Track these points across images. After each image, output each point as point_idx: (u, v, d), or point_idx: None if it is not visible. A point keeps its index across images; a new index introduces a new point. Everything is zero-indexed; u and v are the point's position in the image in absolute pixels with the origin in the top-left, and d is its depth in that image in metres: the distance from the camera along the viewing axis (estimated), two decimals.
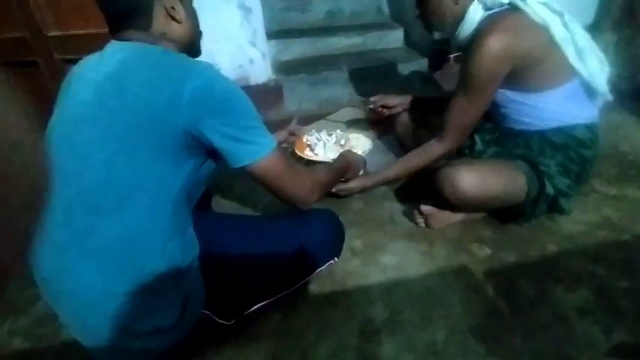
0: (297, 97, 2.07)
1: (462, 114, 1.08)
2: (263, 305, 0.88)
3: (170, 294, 0.71)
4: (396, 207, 1.28)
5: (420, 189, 1.30)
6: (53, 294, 0.73)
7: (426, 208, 1.16)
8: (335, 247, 0.98)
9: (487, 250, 1.09)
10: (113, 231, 0.67)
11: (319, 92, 2.10)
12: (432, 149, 1.16)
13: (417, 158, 1.19)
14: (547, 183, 1.06)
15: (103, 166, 0.66)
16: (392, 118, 1.51)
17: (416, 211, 1.19)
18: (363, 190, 1.22)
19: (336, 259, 0.99)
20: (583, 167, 1.11)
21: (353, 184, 1.18)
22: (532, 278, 0.99)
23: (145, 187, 0.67)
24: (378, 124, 1.70)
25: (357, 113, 1.93)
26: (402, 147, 1.51)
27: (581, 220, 1.14)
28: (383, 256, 1.10)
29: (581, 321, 0.88)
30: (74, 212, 0.67)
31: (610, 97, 1.09)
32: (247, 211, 1.30)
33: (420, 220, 1.18)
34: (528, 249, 1.08)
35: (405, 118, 1.48)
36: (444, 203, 1.14)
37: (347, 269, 1.06)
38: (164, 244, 0.70)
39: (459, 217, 1.18)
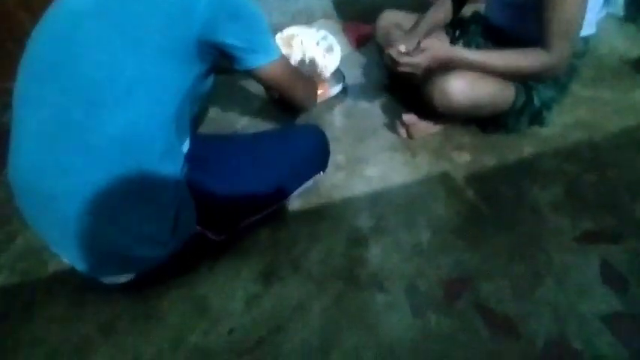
0: (267, 9, 1.85)
1: (573, 18, 0.87)
2: (253, 221, 0.87)
3: (163, 202, 0.69)
4: (378, 121, 1.23)
5: (402, 101, 1.25)
6: (39, 199, 0.67)
7: (407, 117, 1.12)
8: (321, 161, 0.95)
9: (467, 157, 1.08)
10: (115, 124, 0.63)
11: (291, 4, 1.89)
12: (540, 57, 0.90)
13: (521, 58, 0.93)
14: (534, 95, 1.02)
15: (108, 61, 0.63)
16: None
17: (398, 122, 1.15)
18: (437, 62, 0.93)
19: (322, 172, 0.96)
20: (569, 78, 1.06)
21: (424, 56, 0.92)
22: (510, 180, 1.01)
23: (151, 85, 0.65)
24: (356, 37, 1.56)
25: (333, 27, 1.76)
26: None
27: (557, 123, 1.14)
28: (367, 168, 1.08)
29: (553, 214, 0.92)
30: (69, 106, 0.63)
31: (621, 13, 0.98)
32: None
33: (402, 131, 1.15)
34: (506, 153, 1.08)
35: (384, 21, 1.32)
36: (426, 113, 1.09)
37: (332, 182, 1.04)
38: (163, 147, 0.68)
39: (439, 126, 1.15)
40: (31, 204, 0.71)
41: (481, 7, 1.18)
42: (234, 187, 0.78)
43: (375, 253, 0.88)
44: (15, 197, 0.72)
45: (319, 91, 1.18)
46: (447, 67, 0.95)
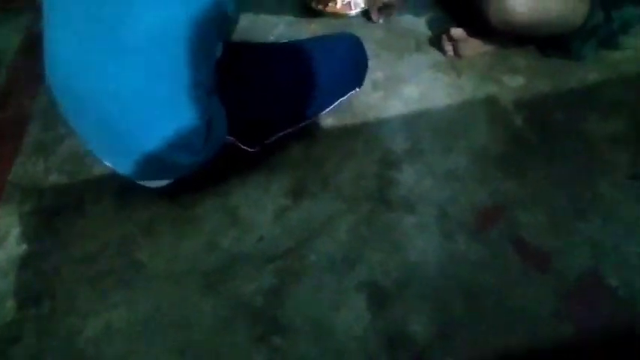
0: None
1: None
2: (285, 134, 0.82)
3: (197, 107, 0.64)
4: (423, 35, 1.08)
5: (451, 14, 1.08)
6: (77, 101, 0.65)
7: (456, 31, 0.97)
8: (358, 76, 0.86)
9: (519, 80, 0.95)
10: (148, 20, 0.58)
11: None
12: None
13: None
14: (614, 11, 0.83)
15: None
16: None
17: (445, 37, 1.00)
18: None
19: (357, 89, 0.87)
20: None
21: None
22: (566, 108, 0.88)
23: None
24: None
25: None
26: None
27: (633, 45, 0.95)
28: (406, 87, 0.97)
29: (609, 149, 0.81)
30: (100, 1, 0.58)
31: None
32: None
33: (449, 48, 1.01)
34: (566, 78, 0.93)
35: None
36: (478, 29, 0.94)
37: (368, 102, 0.95)
38: (200, 47, 0.62)
39: (491, 46, 1.00)
40: (70, 106, 0.69)
41: None
42: (266, 97, 0.72)
43: (407, 176, 0.82)
44: (56, 101, 0.70)
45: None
46: None
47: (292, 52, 0.78)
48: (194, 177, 0.75)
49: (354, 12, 1.12)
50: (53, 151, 1.00)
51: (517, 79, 0.95)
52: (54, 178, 0.95)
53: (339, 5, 1.11)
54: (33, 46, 1.16)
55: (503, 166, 0.81)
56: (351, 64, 0.83)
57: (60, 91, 0.67)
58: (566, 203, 0.75)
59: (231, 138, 0.72)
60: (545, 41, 0.95)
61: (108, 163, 0.76)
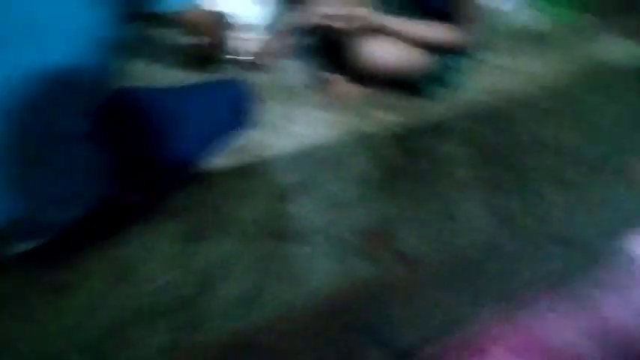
0: None
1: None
2: (178, 179, 0.80)
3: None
4: (308, 79, 1.19)
5: (330, 63, 1.22)
6: None
7: (336, 77, 1.11)
8: (239, 118, 0.90)
9: (391, 116, 1.11)
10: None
11: None
12: (453, 32, 0.98)
13: (438, 31, 0.98)
14: (445, 62, 1.05)
15: None
16: None
17: (327, 82, 1.13)
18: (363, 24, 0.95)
19: (243, 129, 0.91)
20: (479, 49, 1.11)
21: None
22: (427, 137, 1.06)
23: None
24: None
25: None
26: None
27: (472, 89, 1.20)
28: (295, 126, 1.05)
29: (461, 168, 0.99)
30: None
31: None
32: None
33: (331, 91, 1.13)
34: (427, 113, 1.12)
35: None
36: (353, 75, 1.09)
37: (262, 142, 0.99)
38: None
39: (365, 90, 1.15)
40: None
41: None
42: (154, 143, 0.70)
43: (300, 208, 0.87)
44: None
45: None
46: (371, 32, 0.95)
47: (172, 95, 0.79)
48: (71, 233, 0.68)
49: (243, 58, 1.18)
50: None
51: (389, 115, 1.11)
52: None
53: (230, 53, 1.16)
54: None
55: (381, 190, 0.92)
56: (232, 106, 0.86)
57: None
58: (434, 214, 0.88)
59: (119, 185, 0.68)
60: (402, 84, 1.14)
61: None
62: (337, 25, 0.92)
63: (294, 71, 1.21)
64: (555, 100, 1.22)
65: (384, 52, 0.97)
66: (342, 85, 1.11)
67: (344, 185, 0.92)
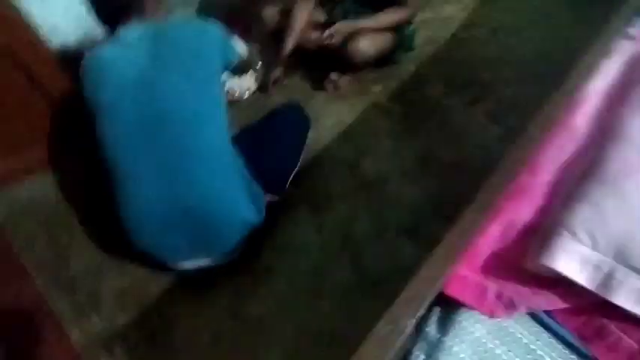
0: None
1: None
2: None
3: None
4: (313, 83, 1.58)
5: (324, 67, 1.57)
6: (165, 234, 0.87)
7: (334, 74, 1.51)
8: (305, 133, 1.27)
9: (379, 87, 1.52)
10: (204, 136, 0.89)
11: None
12: (403, 12, 1.39)
13: (395, 15, 1.38)
14: (404, 32, 1.47)
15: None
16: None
17: (326, 81, 1.53)
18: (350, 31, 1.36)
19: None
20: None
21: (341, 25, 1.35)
22: (414, 89, 1.49)
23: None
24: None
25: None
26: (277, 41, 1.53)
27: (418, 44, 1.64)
28: (321, 118, 1.43)
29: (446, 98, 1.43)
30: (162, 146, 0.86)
31: None
32: None
33: (330, 86, 1.52)
34: (399, 75, 1.55)
35: (271, 11, 1.55)
36: (345, 68, 1.48)
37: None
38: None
39: (355, 76, 1.55)
40: (162, 244, 0.89)
41: None
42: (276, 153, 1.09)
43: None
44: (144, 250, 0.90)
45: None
46: (352, 33, 1.36)
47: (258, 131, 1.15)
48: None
49: (246, 96, 1.51)
50: None
51: (377, 87, 1.52)
52: None
53: (236, 94, 1.49)
54: None
55: (387, 135, 1.35)
56: (302, 119, 1.25)
57: (150, 237, 0.88)
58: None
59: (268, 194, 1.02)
60: (380, 61, 1.54)
61: (191, 264, 0.96)
62: (331, 41, 1.32)
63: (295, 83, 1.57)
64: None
65: (365, 45, 1.37)
66: (340, 76, 1.51)
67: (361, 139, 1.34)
